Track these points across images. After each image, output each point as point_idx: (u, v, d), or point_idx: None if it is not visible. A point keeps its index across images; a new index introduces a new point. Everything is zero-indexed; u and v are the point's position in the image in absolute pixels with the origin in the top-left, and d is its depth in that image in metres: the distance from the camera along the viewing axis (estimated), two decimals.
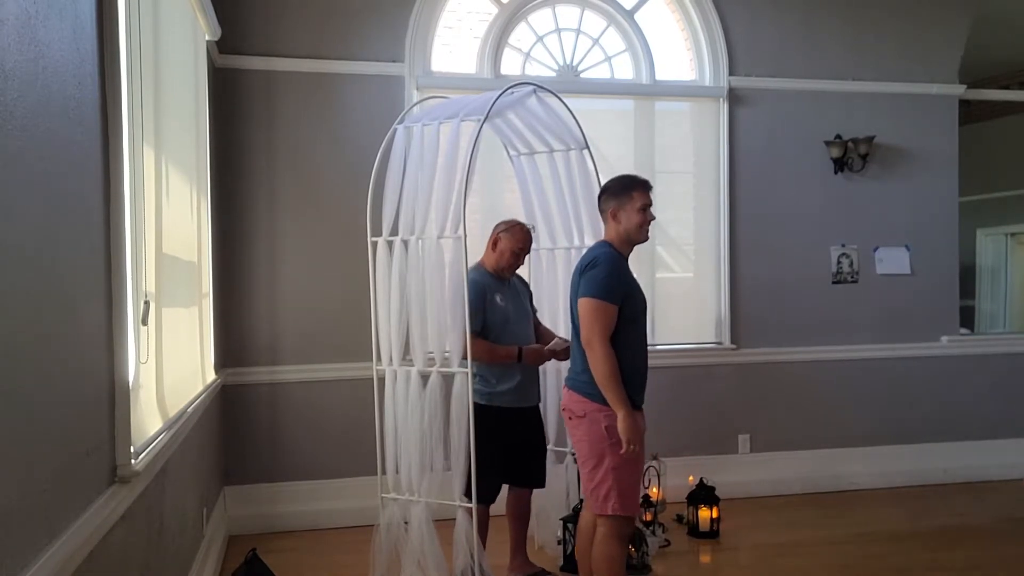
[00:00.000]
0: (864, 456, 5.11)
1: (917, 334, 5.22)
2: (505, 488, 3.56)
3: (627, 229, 2.94)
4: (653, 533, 3.92)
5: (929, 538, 4.21)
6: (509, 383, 3.41)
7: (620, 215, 2.94)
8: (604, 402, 2.81)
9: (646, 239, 2.99)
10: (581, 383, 2.88)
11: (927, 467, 5.18)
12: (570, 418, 2.95)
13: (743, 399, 4.98)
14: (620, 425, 2.75)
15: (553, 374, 3.82)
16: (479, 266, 3.53)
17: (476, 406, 3.38)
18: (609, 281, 2.82)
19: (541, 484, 3.65)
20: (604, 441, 2.82)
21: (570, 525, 3.69)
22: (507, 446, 3.43)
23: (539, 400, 3.61)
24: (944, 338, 5.26)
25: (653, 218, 2.98)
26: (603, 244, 2.99)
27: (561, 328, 3.83)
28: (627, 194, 2.94)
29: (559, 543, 3.79)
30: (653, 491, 4.27)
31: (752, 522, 4.47)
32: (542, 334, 3.66)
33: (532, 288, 3.82)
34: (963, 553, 3.99)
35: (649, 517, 3.98)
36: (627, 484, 2.84)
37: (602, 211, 3.01)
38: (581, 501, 3.76)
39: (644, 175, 4.87)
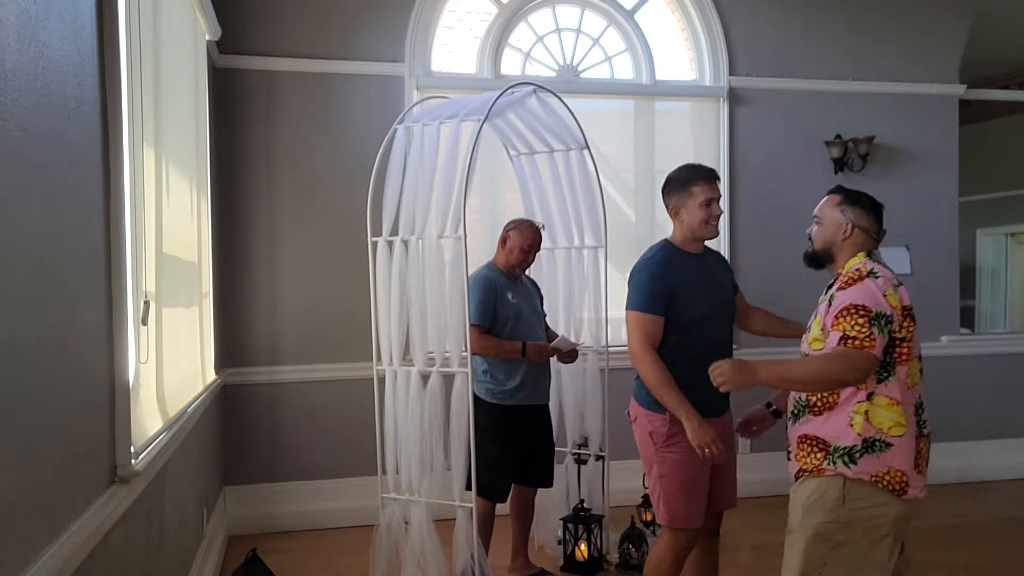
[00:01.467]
0: None
1: None
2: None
3: (691, 227, 2.73)
4: (653, 533, 3.92)
5: (929, 538, 4.21)
6: (518, 380, 3.41)
7: (682, 212, 2.73)
8: (652, 407, 2.69)
9: (714, 235, 2.76)
10: (635, 387, 2.79)
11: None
12: (630, 423, 2.85)
13: (743, 399, 4.97)
14: (689, 434, 2.56)
15: (568, 375, 3.82)
16: (491, 264, 3.55)
17: (487, 405, 3.39)
18: (647, 289, 2.65)
19: (548, 484, 3.65)
20: (651, 447, 2.72)
21: (570, 525, 3.70)
22: (517, 444, 3.44)
23: (548, 399, 3.62)
24: (944, 338, 5.26)
25: (720, 212, 2.73)
26: (657, 247, 2.80)
27: (560, 328, 3.83)
28: (687, 189, 2.71)
29: (559, 543, 3.78)
30: None
31: (752, 522, 4.47)
32: (550, 339, 3.66)
33: None
34: (963, 553, 3.99)
35: (649, 517, 3.98)
36: (675, 493, 2.67)
37: (666, 207, 2.81)
38: (581, 501, 3.78)
39: (644, 175, 4.98)
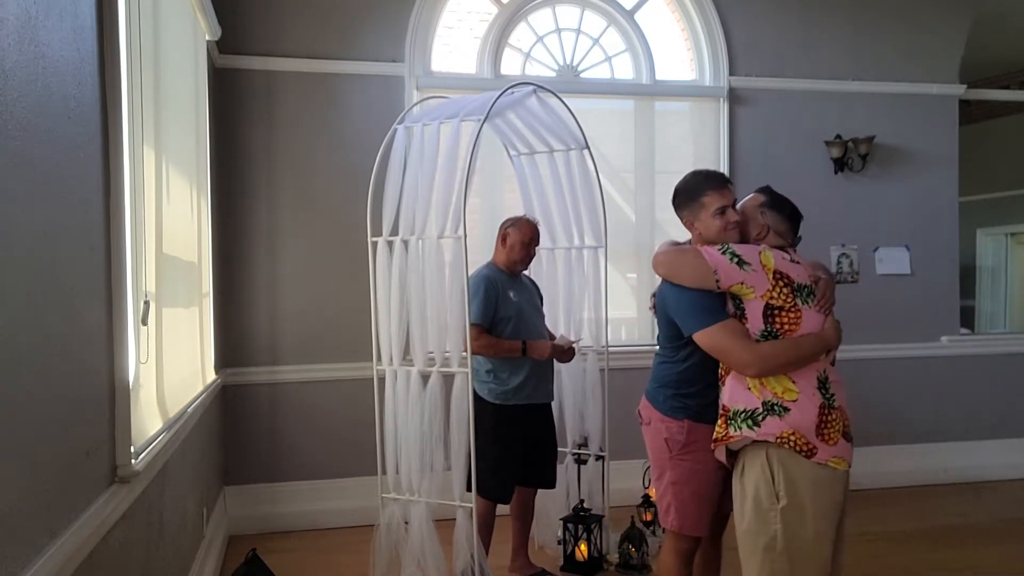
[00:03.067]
0: (864, 456, 5.06)
1: (917, 334, 5.21)
2: None
3: (708, 239, 2.51)
4: (653, 533, 3.92)
5: (929, 538, 4.21)
6: (521, 378, 3.41)
7: (697, 224, 2.55)
8: (667, 412, 2.61)
9: (736, 241, 2.49)
10: (649, 389, 2.72)
11: (927, 467, 5.18)
12: (640, 423, 2.78)
13: None
14: (829, 335, 2.42)
15: (568, 375, 3.82)
16: (491, 264, 3.55)
17: (490, 405, 3.39)
18: (698, 302, 2.42)
19: (551, 485, 3.64)
20: (665, 452, 2.63)
21: (570, 525, 3.70)
22: (520, 445, 3.44)
23: (551, 398, 3.61)
24: (944, 338, 5.26)
25: (737, 217, 2.51)
26: None
27: (560, 328, 3.83)
28: (697, 201, 2.53)
29: (559, 543, 3.79)
30: (653, 491, 4.27)
31: None
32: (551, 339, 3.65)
33: None
34: (963, 553, 3.99)
35: (649, 517, 3.98)
36: (686, 500, 2.61)
37: (680, 219, 2.63)
38: (581, 501, 3.77)
39: (644, 175, 4.98)
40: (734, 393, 2.41)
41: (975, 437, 5.29)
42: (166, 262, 2.78)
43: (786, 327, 2.34)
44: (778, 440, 2.30)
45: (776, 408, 2.33)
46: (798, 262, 2.42)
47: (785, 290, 2.34)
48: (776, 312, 2.34)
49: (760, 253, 2.37)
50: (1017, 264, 7.62)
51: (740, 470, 2.42)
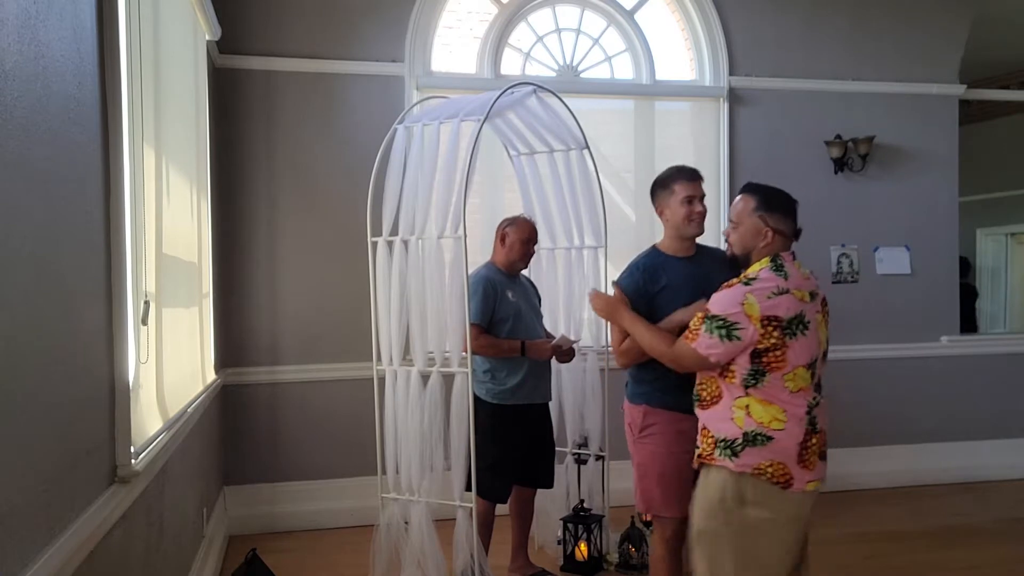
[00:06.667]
0: (864, 456, 5.11)
1: (917, 334, 5.21)
2: None
3: (674, 224, 2.82)
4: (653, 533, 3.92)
5: (929, 538, 4.21)
6: (519, 378, 3.41)
7: (667, 211, 2.84)
8: (633, 399, 2.84)
9: (697, 232, 2.84)
10: (628, 380, 2.94)
11: (927, 467, 5.18)
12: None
13: None
14: (684, 315, 2.58)
15: (568, 375, 3.82)
16: (490, 264, 3.54)
17: (488, 405, 3.39)
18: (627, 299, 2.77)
19: (549, 484, 3.64)
20: (630, 436, 2.86)
21: (570, 525, 3.69)
22: (518, 445, 3.44)
23: (549, 398, 3.61)
24: (944, 338, 5.26)
25: (702, 209, 2.82)
26: (643, 253, 2.90)
27: (560, 328, 3.83)
28: (668, 188, 2.83)
29: (559, 543, 3.78)
30: None
31: None
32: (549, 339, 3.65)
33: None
34: (963, 553, 3.99)
35: (649, 517, 3.98)
36: (650, 482, 2.77)
37: (655, 209, 2.91)
38: (581, 501, 3.77)
39: (644, 175, 4.98)
40: (720, 421, 2.39)
41: (975, 437, 5.29)
42: (166, 262, 2.78)
43: (772, 365, 2.31)
44: (754, 471, 2.32)
45: (758, 439, 2.31)
46: (784, 292, 2.31)
47: (775, 332, 2.29)
48: (763, 352, 2.31)
49: (743, 304, 2.30)
50: (1017, 264, 7.62)
51: (708, 470, 2.45)
